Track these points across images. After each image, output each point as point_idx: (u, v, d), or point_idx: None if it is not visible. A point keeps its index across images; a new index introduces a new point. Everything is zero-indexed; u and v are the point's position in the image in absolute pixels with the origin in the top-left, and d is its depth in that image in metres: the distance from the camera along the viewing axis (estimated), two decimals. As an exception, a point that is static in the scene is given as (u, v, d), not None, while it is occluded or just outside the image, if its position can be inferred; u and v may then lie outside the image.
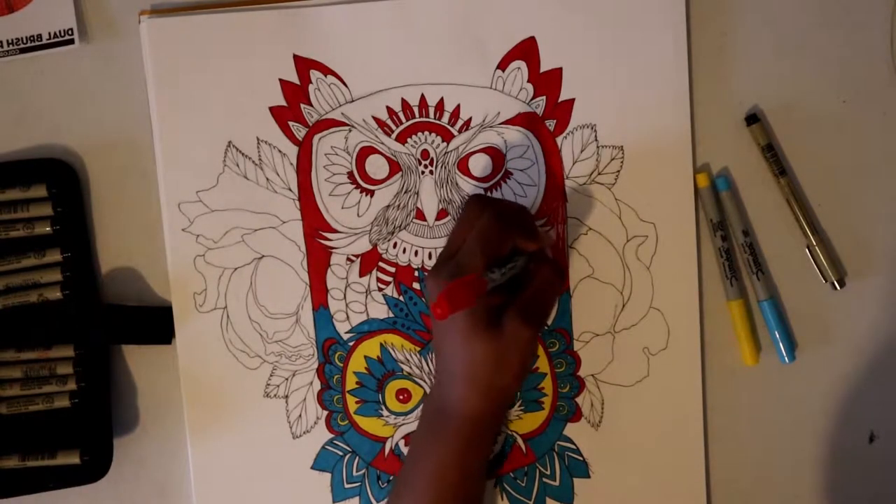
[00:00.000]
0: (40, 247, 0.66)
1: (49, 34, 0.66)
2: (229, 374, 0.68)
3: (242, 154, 0.67)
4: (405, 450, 0.68)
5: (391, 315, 0.68)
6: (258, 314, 0.68)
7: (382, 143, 0.67)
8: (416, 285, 0.68)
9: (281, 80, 0.67)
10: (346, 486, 0.69)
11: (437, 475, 0.62)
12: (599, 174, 0.68)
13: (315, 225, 0.68)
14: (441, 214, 0.68)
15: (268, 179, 0.67)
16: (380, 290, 0.68)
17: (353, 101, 0.67)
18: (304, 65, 0.67)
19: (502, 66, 0.67)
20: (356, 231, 0.68)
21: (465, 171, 0.67)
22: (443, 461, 0.62)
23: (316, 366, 0.68)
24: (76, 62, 0.67)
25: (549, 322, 0.68)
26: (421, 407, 0.67)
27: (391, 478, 0.69)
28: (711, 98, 0.68)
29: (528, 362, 0.61)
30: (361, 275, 0.68)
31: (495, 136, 0.67)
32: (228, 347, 0.68)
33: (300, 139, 0.67)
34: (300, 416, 0.68)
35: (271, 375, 0.68)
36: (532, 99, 0.67)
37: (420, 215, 0.68)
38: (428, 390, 0.68)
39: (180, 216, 0.67)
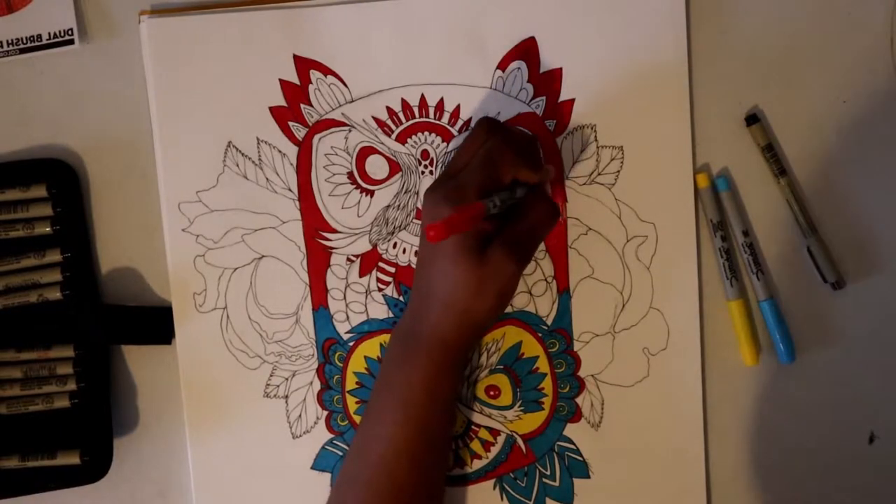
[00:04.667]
0: (40, 247, 0.66)
1: (49, 34, 0.66)
2: (229, 374, 0.68)
3: (242, 154, 0.67)
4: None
5: (391, 315, 0.68)
6: (258, 314, 0.68)
7: (382, 144, 0.67)
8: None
9: (281, 80, 0.67)
10: (346, 486, 0.68)
11: (406, 398, 0.61)
12: (599, 174, 0.68)
13: (315, 225, 0.68)
14: (441, 214, 0.68)
15: (268, 179, 0.67)
16: (380, 290, 0.68)
17: (353, 101, 0.67)
18: (304, 65, 0.67)
19: (502, 66, 0.67)
20: (356, 231, 0.68)
21: (465, 171, 0.67)
22: (412, 384, 0.61)
23: (316, 366, 0.68)
24: (76, 62, 0.67)
25: (549, 322, 0.68)
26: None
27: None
28: (711, 98, 0.68)
29: (506, 297, 0.60)
30: (361, 275, 0.68)
31: (495, 136, 0.67)
32: (228, 347, 0.68)
33: (300, 139, 0.67)
34: (300, 416, 0.68)
35: (271, 375, 0.68)
36: (532, 99, 0.67)
37: (420, 215, 0.68)
38: None
39: (180, 216, 0.67)
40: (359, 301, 0.68)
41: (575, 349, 0.68)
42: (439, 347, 0.61)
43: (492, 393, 0.69)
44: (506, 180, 0.61)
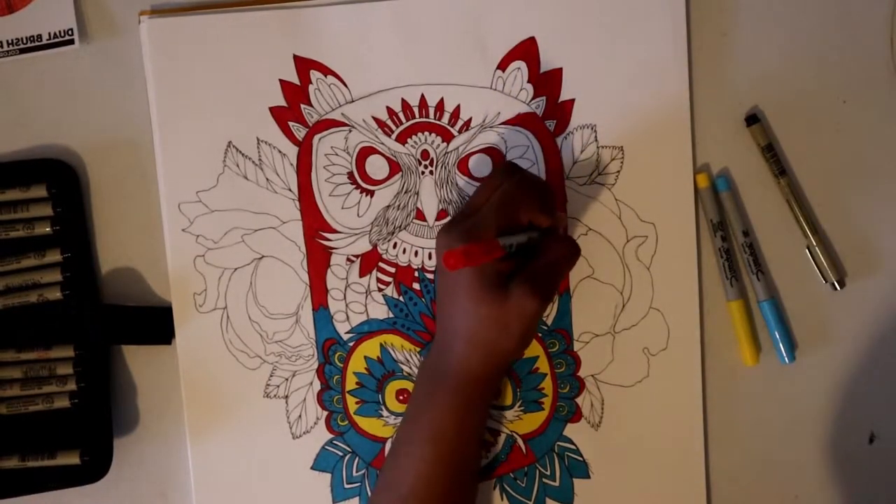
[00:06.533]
0: (40, 247, 0.66)
1: (49, 34, 0.66)
2: (229, 375, 0.68)
3: (242, 154, 0.67)
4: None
5: (391, 315, 0.68)
6: (258, 314, 0.68)
7: (382, 144, 0.67)
8: (416, 285, 0.68)
9: (281, 81, 0.67)
10: (346, 486, 0.69)
11: (434, 434, 0.62)
12: (599, 174, 0.68)
13: (315, 225, 0.68)
14: (441, 215, 0.68)
15: (268, 179, 0.67)
16: (380, 290, 0.68)
17: (353, 101, 0.67)
18: (304, 65, 0.67)
19: (502, 66, 0.67)
20: (356, 231, 0.68)
21: (466, 171, 0.67)
22: (440, 419, 0.62)
23: (316, 366, 0.68)
24: (76, 62, 0.67)
25: (549, 322, 0.68)
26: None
27: (391, 478, 0.69)
28: (711, 98, 0.68)
29: (530, 332, 0.61)
30: (361, 275, 0.68)
31: (495, 136, 0.67)
32: (228, 347, 0.68)
33: (300, 139, 0.67)
34: (300, 416, 0.68)
35: (271, 376, 0.68)
36: (532, 99, 0.67)
37: (420, 215, 0.68)
38: None
39: (180, 216, 0.67)
40: (359, 301, 0.68)
41: (575, 349, 0.68)
42: (466, 383, 0.61)
43: (492, 393, 0.69)
44: (522, 222, 0.61)
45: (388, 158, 0.67)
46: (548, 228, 0.62)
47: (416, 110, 0.67)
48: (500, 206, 0.60)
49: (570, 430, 0.69)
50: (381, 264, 0.68)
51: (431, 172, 0.67)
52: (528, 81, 0.67)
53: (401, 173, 0.67)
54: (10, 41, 0.66)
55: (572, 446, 0.69)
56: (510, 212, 0.60)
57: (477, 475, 0.67)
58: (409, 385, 0.68)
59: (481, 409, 0.64)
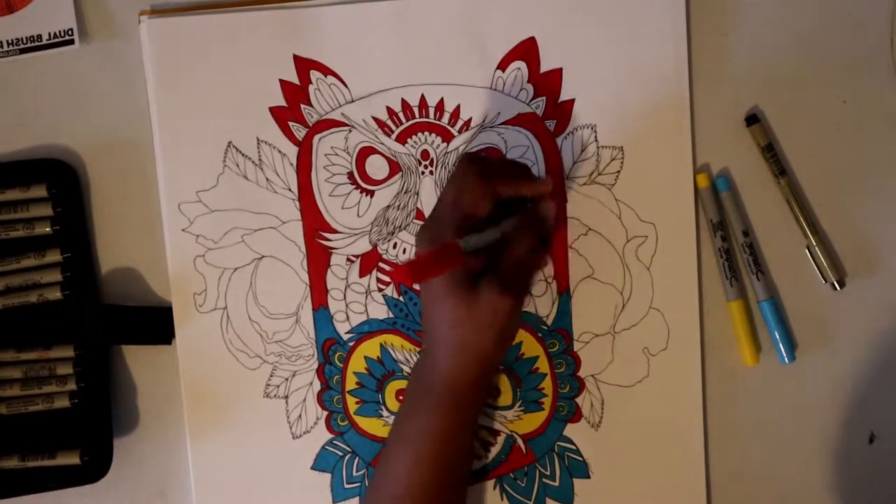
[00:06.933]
0: (40, 247, 0.66)
1: (49, 34, 0.66)
2: (229, 374, 0.68)
3: (242, 154, 0.67)
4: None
5: (391, 315, 0.68)
6: (258, 314, 0.68)
7: (382, 144, 0.67)
8: (416, 286, 0.68)
9: (281, 81, 0.67)
10: (346, 486, 0.69)
11: (423, 436, 0.61)
12: (599, 174, 0.68)
13: (315, 225, 0.68)
14: (441, 214, 0.68)
15: (268, 179, 0.67)
16: (380, 290, 0.68)
17: (353, 101, 0.67)
18: (304, 65, 0.67)
19: (502, 66, 0.67)
20: (356, 231, 0.68)
21: (465, 171, 0.67)
22: (427, 423, 0.61)
23: (316, 366, 0.68)
24: (76, 62, 0.67)
25: (549, 322, 0.68)
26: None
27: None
28: (711, 98, 0.68)
29: (508, 330, 0.60)
30: (361, 275, 0.68)
31: (495, 136, 0.67)
32: (228, 347, 0.68)
33: (300, 139, 0.67)
34: (300, 416, 0.68)
35: (271, 376, 0.68)
36: (532, 99, 0.67)
37: (420, 216, 0.68)
38: None
39: (180, 216, 0.67)
40: (359, 301, 0.68)
41: (575, 349, 0.68)
42: (452, 388, 0.61)
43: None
44: (482, 209, 0.59)
45: (388, 158, 0.67)
46: (525, 211, 0.61)
47: (416, 110, 0.67)
48: (457, 200, 0.59)
49: (570, 430, 0.69)
50: (381, 264, 0.68)
51: (431, 172, 0.67)
52: (528, 81, 0.67)
53: (401, 173, 0.67)
54: (10, 41, 0.66)
55: (572, 446, 0.69)
56: (467, 201, 0.59)
57: (468, 476, 0.66)
58: (409, 385, 0.68)
59: (470, 411, 0.63)
